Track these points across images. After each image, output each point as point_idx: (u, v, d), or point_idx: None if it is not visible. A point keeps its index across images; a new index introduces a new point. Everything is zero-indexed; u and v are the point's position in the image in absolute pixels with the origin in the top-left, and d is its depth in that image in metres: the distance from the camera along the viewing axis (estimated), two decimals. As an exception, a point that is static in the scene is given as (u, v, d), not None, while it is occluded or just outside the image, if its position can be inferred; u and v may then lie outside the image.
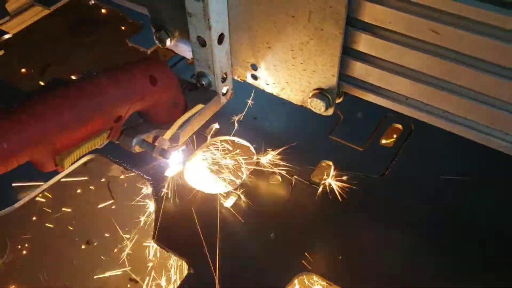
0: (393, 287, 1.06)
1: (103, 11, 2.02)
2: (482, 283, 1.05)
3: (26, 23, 1.78)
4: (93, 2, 1.90)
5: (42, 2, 1.75)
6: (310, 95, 0.91)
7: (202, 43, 0.91)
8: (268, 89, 0.99)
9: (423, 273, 1.08)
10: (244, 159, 1.34)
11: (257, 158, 1.30)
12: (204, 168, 1.33)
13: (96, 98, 0.77)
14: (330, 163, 1.27)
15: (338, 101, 0.91)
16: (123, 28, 1.95)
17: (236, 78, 1.03)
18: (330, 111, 0.91)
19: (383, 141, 1.33)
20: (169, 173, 1.25)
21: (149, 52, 1.61)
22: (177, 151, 0.98)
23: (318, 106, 0.90)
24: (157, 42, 1.05)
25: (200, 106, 0.95)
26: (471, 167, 1.25)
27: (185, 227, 1.18)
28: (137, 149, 0.89)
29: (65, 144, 0.76)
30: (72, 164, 0.79)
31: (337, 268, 1.09)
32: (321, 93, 0.89)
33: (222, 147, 1.37)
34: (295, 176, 1.25)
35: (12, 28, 1.74)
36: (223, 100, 1.02)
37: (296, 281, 1.12)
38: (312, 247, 1.12)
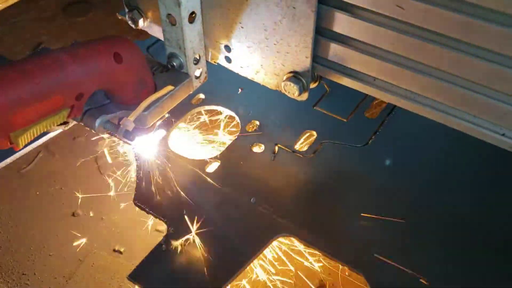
0: (368, 252, 1.07)
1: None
2: (451, 246, 1.08)
3: (15, -1, 1.76)
4: None
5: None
6: (284, 78, 0.87)
7: (172, 21, 0.87)
8: (242, 72, 0.95)
9: (400, 240, 1.10)
10: (228, 127, 1.37)
11: (242, 127, 1.31)
12: (188, 135, 1.34)
13: (55, 74, 0.73)
14: (314, 132, 1.28)
15: (313, 85, 0.88)
16: (116, 7, 1.94)
17: (209, 60, 0.99)
18: (305, 96, 0.88)
19: (367, 114, 1.34)
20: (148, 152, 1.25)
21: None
22: (145, 134, 0.94)
23: (291, 90, 0.87)
24: (130, 22, 1.02)
25: (169, 87, 0.91)
26: (453, 142, 1.26)
27: (166, 191, 1.20)
28: (100, 130, 0.85)
29: (21, 121, 0.72)
30: (28, 142, 0.75)
31: (316, 232, 1.11)
32: (295, 77, 0.86)
33: (207, 116, 1.38)
34: (279, 145, 1.26)
35: (4, 0, 1.71)
36: (196, 83, 0.98)
37: (274, 243, 1.16)
38: (292, 212, 1.15)
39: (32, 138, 0.75)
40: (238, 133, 1.31)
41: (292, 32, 0.80)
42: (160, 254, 1.11)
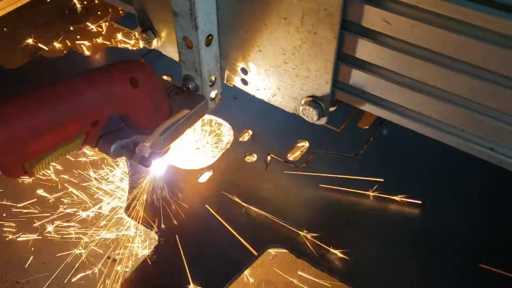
0: (356, 264, 1.07)
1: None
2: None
3: (16, 5, 1.77)
4: None
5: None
6: (303, 102, 0.85)
7: (189, 44, 0.86)
8: (259, 94, 0.93)
9: (388, 250, 1.09)
10: (221, 137, 1.37)
11: (235, 136, 1.31)
12: (180, 145, 1.33)
13: (71, 101, 0.72)
14: (307, 142, 1.28)
15: (331, 109, 0.86)
16: (113, 14, 1.97)
17: (225, 82, 0.97)
18: (323, 120, 0.86)
19: (360, 124, 1.33)
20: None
21: (134, 32, 1.69)
22: (160, 158, 0.93)
23: (310, 115, 0.85)
24: (143, 42, 1.00)
25: (185, 111, 0.89)
26: (444, 152, 1.22)
27: (157, 201, 1.20)
28: (115, 155, 0.83)
29: (36, 150, 0.71)
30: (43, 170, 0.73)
31: (306, 244, 1.10)
32: (314, 101, 0.84)
33: (199, 125, 1.38)
34: (271, 155, 1.25)
35: (1, 8, 1.72)
36: (211, 105, 0.97)
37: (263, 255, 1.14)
38: (284, 223, 1.14)
39: (47, 166, 0.74)
40: (231, 143, 1.31)
41: (312, 57, 0.78)
42: (151, 265, 1.10)
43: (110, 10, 1.98)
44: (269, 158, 1.25)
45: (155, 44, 0.99)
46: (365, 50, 0.74)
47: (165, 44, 0.99)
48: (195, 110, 0.91)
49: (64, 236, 1.36)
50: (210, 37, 0.86)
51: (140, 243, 1.33)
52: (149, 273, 1.10)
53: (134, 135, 0.85)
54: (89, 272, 1.30)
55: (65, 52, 1.77)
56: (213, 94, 0.96)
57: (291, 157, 1.27)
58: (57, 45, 1.89)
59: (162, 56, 1.05)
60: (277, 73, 0.86)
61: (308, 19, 0.74)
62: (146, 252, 1.29)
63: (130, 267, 1.28)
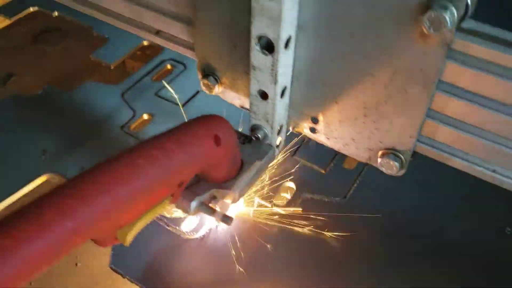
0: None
1: (68, 22, 1.97)
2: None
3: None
4: (57, 14, 1.93)
5: (2, 12, 1.86)
6: (380, 154, 0.85)
7: (263, 96, 0.85)
8: (329, 143, 0.92)
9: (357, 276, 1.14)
10: None
11: None
12: None
13: (164, 165, 0.70)
14: (293, 185, 1.27)
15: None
16: (88, 39, 1.92)
17: (291, 130, 0.96)
18: (402, 172, 0.85)
19: (345, 164, 1.32)
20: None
21: (112, 67, 1.70)
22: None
23: (389, 167, 0.84)
24: (203, 88, 0.98)
25: (258, 163, 0.88)
26: (432, 192, 1.28)
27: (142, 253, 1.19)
28: (195, 212, 0.81)
29: (129, 217, 0.69)
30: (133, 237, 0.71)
31: None
32: (393, 154, 0.83)
33: None
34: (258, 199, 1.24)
35: None
36: (276, 152, 0.95)
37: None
38: (268, 273, 1.15)
39: (137, 232, 0.71)
40: None
41: (398, 113, 0.77)
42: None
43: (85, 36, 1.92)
44: (256, 202, 1.22)
45: (216, 90, 0.97)
46: (457, 109, 0.73)
47: (227, 90, 0.97)
48: (265, 159, 0.90)
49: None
50: (284, 89, 0.85)
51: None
52: None
53: (210, 189, 0.83)
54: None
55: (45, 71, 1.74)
56: (278, 141, 0.94)
57: (278, 201, 1.25)
58: (32, 67, 1.81)
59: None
60: (353, 125, 0.85)
61: (399, 77, 0.73)
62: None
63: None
